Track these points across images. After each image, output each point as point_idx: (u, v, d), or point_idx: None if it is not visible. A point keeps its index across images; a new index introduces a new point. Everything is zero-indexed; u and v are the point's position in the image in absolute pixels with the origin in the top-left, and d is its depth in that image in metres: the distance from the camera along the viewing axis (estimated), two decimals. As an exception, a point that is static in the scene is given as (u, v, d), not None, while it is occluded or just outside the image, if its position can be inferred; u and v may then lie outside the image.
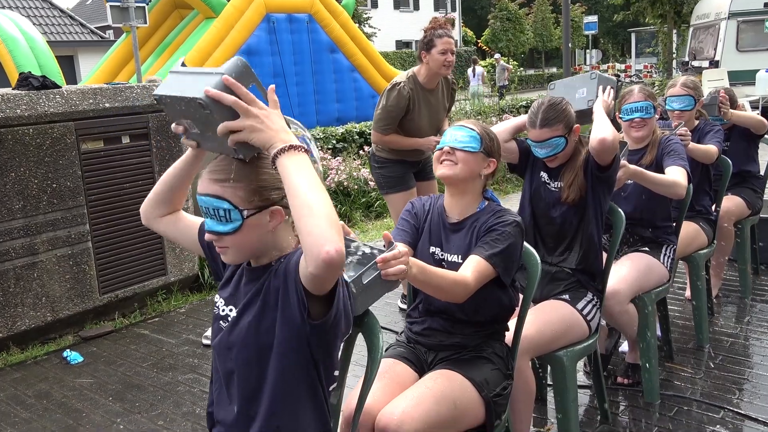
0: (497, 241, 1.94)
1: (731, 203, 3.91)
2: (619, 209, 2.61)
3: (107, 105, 4.24)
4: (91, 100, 4.17)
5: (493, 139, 2.12)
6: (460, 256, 2.01)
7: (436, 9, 34.32)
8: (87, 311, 4.18)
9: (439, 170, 2.06)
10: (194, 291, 4.80)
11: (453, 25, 30.80)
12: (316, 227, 1.21)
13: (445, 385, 1.86)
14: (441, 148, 2.07)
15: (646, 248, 2.96)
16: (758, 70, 10.63)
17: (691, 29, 12.66)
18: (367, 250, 1.64)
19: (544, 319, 2.30)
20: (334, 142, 8.23)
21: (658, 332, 3.29)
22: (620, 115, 3.04)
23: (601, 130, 2.37)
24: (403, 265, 1.59)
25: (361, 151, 7.91)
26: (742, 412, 2.76)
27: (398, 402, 1.79)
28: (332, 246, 1.19)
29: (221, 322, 1.53)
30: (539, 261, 2.12)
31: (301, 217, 1.23)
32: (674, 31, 14.54)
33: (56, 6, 21.58)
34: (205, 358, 3.63)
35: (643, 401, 2.89)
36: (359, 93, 13.99)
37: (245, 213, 1.40)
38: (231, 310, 1.52)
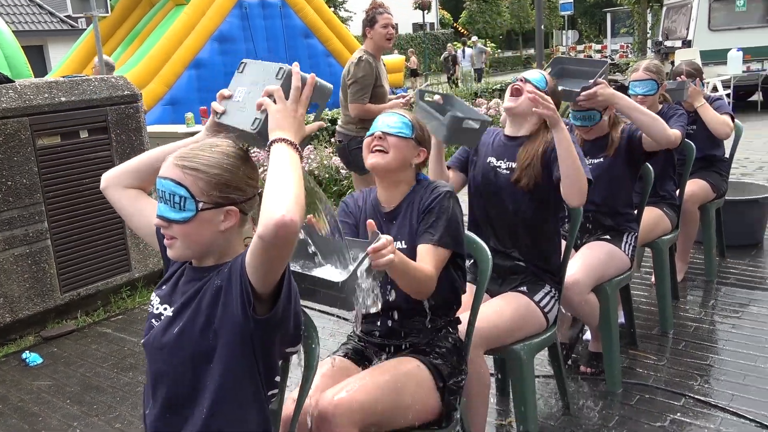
0: (438, 219, 1.91)
1: (696, 187, 3.90)
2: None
3: (63, 99, 4.12)
4: (46, 95, 4.05)
5: (423, 128, 2.10)
6: (404, 242, 1.98)
7: (413, -9, 33.98)
8: (48, 311, 4.09)
9: (370, 159, 2.01)
10: (161, 286, 4.72)
11: (430, 7, 30.60)
12: (281, 197, 1.24)
13: (396, 372, 1.82)
14: (372, 134, 2.03)
15: (608, 236, 2.93)
16: (730, 50, 10.66)
17: (664, 8, 12.64)
18: (353, 248, 1.61)
19: (500, 311, 2.27)
20: (305, 129, 8.13)
21: (622, 319, 3.28)
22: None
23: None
24: (391, 254, 1.57)
25: (332, 139, 7.83)
26: (703, 399, 2.76)
27: (339, 387, 1.74)
28: (290, 214, 1.21)
29: (154, 320, 1.51)
30: (490, 255, 2.08)
31: (271, 188, 1.25)
32: (648, 10, 14.53)
33: (24, -6, 21.11)
34: (168, 356, 3.56)
35: (606, 390, 2.88)
36: (335, 78, 13.67)
37: (200, 205, 1.40)
38: (165, 309, 1.50)
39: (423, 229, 1.93)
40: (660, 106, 3.61)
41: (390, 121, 2.02)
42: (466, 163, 2.62)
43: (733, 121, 3.95)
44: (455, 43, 24.27)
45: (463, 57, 20.34)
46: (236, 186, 1.43)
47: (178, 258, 1.49)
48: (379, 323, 2.01)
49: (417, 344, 1.97)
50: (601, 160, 2.97)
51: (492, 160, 2.51)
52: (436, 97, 2.49)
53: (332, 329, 3.71)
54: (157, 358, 1.47)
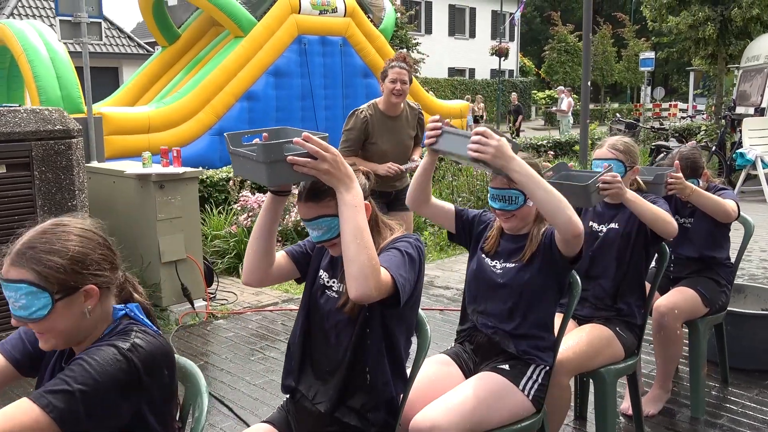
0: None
1: (680, 297, 3.11)
2: (427, 325, 1.91)
3: (-21, 130, 3.79)
4: (-41, 124, 3.73)
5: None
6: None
7: (493, 37, 33.57)
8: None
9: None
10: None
11: (507, 55, 29.99)
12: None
13: None
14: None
15: (506, 366, 2.23)
16: (809, 122, 9.52)
17: (740, 71, 11.54)
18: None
19: None
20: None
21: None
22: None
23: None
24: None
25: None
26: None
27: None
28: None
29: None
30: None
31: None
32: (725, 72, 13.41)
33: (106, 17, 21.97)
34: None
35: None
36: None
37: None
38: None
39: None
40: (633, 195, 2.89)
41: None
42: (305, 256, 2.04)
43: (738, 211, 3.17)
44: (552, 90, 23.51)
45: (562, 104, 19.51)
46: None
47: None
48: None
49: None
50: (514, 265, 2.28)
51: (323, 275, 1.98)
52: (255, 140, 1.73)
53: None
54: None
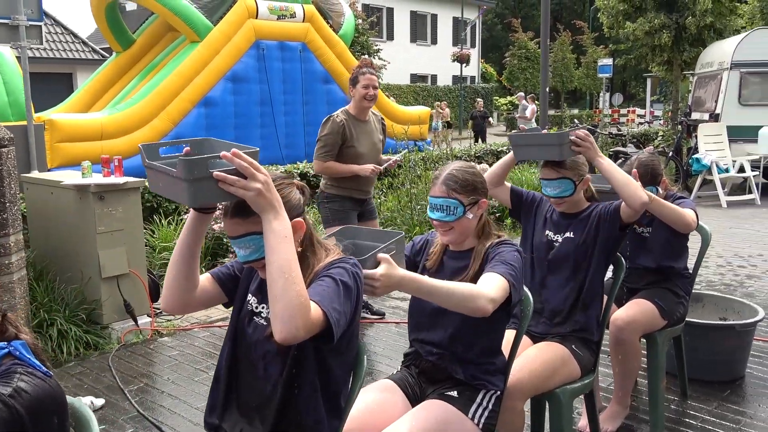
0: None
1: (637, 310, 3.01)
2: (364, 354, 1.75)
3: None
4: None
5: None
6: None
7: (455, 44, 33.65)
8: None
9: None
10: None
11: (468, 61, 30.08)
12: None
13: None
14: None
15: (454, 392, 2.08)
16: (762, 126, 9.66)
17: (695, 78, 11.71)
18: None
19: None
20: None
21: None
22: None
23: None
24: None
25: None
26: None
27: None
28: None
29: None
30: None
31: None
32: (681, 79, 13.63)
33: (60, 23, 21.37)
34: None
35: None
36: (354, 125, 13.25)
37: None
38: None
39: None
40: (587, 205, 2.78)
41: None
42: (232, 279, 1.87)
43: (698, 221, 3.09)
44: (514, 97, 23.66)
45: (525, 111, 19.56)
46: None
47: None
48: None
49: None
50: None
51: (252, 299, 1.84)
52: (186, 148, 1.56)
53: None
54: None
